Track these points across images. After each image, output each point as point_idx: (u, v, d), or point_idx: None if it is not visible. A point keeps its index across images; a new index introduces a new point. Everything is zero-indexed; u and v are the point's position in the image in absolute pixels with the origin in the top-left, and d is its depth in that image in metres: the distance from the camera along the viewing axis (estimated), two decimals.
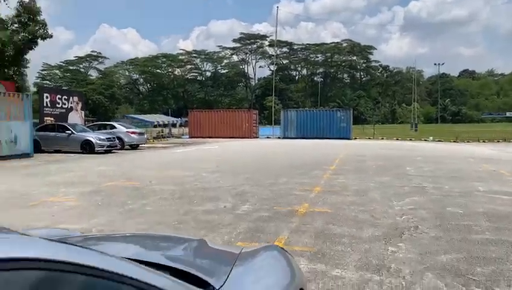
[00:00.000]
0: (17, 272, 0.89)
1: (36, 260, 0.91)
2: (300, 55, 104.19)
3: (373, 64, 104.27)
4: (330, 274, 4.07)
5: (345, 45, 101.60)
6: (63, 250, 0.98)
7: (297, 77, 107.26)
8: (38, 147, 19.06)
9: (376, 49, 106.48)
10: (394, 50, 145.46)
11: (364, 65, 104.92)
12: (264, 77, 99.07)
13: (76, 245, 1.04)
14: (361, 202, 7.71)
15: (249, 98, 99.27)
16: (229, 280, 1.62)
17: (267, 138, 37.29)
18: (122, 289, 1.07)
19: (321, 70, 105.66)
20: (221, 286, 1.53)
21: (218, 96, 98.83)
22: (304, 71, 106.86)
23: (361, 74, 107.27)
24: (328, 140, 31.87)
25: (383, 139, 34.37)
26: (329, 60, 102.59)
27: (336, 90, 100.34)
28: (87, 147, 19.40)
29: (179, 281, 1.28)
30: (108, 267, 1.04)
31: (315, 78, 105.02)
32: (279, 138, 36.11)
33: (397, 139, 34.03)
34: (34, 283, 0.91)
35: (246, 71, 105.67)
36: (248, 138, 35.99)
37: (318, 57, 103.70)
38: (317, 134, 34.76)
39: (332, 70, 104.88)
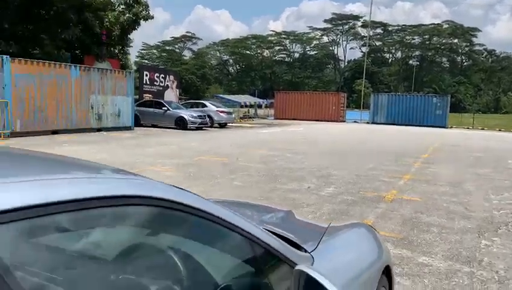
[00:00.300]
0: (145, 207, 1.03)
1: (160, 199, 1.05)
2: (395, 36, 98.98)
3: (477, 48, 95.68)
4: (416, 261, 3.99)
5: (445, 26, 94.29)
6: (184, 194, 1.13)
7: (390, 60, 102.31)
8: (137, 121, 20.64)
9: (481, 31, 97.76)
10: (502, 33, 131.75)
11: (466, 49, 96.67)
12: (355, 59, 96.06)
13: (191, 192, 1.20)
14: (454, 193, 7.30)
15: (337, 81, 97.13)
16: (320, 246, 1.72)
17: (355, 122, 36.37)
18: (235, 238, 1.21)
19: (417, 53, 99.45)
20: (313, 250, 1.63)
21: (305, 78, 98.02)
22: (398, 54, 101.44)
23: (463, 58, 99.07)
24: (420, 127, 30.20)
25: (483, 129, 31.70)
26: (427, 42, 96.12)
27: (433, 75, 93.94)
28: (181, 123, 20.59)
29: (280, 239, 1.40)
30: (221, 215, 1.19)
31: (410, 62, 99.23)
32: (367, 122, 35.03)
33: (500, 130, 31.17)
34: (160, 219, 1.08)
35: (336, 53, 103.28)
36: (334, 121, 35.40)
37: (415, 39, 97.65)
38: (409, 120, 33.09)
39: (429, 54, 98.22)
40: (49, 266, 0.96)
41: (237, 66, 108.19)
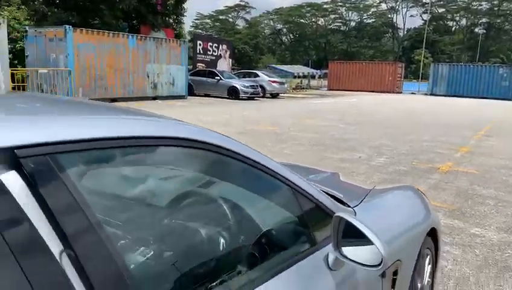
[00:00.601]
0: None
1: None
2: (459, 2, 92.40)
3: None
4: (468, 231, 3.89)
5: None
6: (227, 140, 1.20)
7: (453, 28, 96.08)
8: (191, 90, 21.08)
9: None
10: None
11: None
12: (415, 28, 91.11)
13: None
14: None
15: (395, 51, 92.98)
16: (363, 203, 1.74)
17: (412, 93, 34.92)
18: (280, 187, 1.27)
19: (484, 20, 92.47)
20: (356, 205, 1.66)
21: (361, 48, 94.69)
22: (463, 21, 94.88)
23: None
24: (484, 100, 28.49)
25: None
26: (495, 8, 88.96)
27: (500, 45, 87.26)
28: (233, 93, 20.79)
29: (323, 192, 1.45)
30: (267, 164, 1.25)
31: (475, 30, 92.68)
32: (425, 94, 33.52)
33: None
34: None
35: (395, 21, 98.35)
36: (390, 92, 34.21)
37: (482, 5, 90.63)
38: (471, 92, 31.29)
39: (498, 21, 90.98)
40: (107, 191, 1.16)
41: (291, 35, 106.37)
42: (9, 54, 13.59)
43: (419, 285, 2.03)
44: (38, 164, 0.73)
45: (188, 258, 1.16)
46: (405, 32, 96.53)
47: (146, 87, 18.27)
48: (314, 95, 29.30)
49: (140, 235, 1.14)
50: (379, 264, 1.17)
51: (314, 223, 1.36)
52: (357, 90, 34.61)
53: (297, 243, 1.34)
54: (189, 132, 1.09)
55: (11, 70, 13.66)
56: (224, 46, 28.31)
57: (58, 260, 0.70)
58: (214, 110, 15.13)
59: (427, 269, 2.16)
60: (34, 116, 0.97)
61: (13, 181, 0.70)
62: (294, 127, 10.99)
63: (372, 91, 34.34)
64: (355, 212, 1.59)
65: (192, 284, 1.05)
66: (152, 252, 1.07)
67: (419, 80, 39.08)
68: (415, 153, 7.95)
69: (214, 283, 1.04)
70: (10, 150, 0.71)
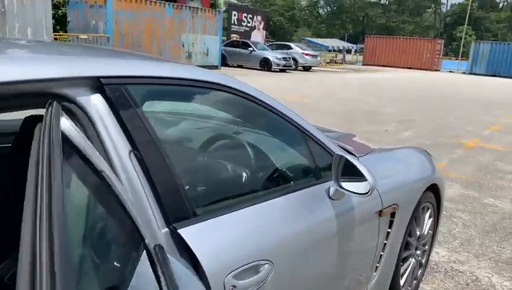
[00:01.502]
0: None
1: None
2: None
3: None
4: (482, 201, 4.05)
5: None
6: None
7: (501, 4, 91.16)
8: (224, 61, 21.30)
9: None
10: None
11: None
12: (459, 3, 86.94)
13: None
14: None
15: (436, 27, 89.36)
16: (368, 155, 1.99)
17: (450, 72, 33.87)
18: (292, 130, 1.53)
19: None
20: (361, 156, 1.91)
21: (401, 23, 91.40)
22: None
23: None
24: None
25: None
26: None
27: None
28: (265, 65, 20.87)
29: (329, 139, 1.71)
30: (283, 111, 1.51)
31: None
32: (463, 73, 32.45)
33: None
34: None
35: None
36: (427, 70, 33.29)
37: None
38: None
39: None
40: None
41: (328, 7, 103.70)
42: (52, 19, 14.16)
43: (418, 233, 2.27)
44: (116, 90, 1.03)
45: (215, 179, 1.49)
46: (448, 8, 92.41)
47: (181, 56, 18.60)
48: (348, 69, 28.93)
49: (185, 156, 1.52)
50: (367, 192, 1.43)
51: (320, 162, 1.62)
52: (394, 66, 33.88)
53: (304, 176, 1.61)
54: (222, 78, 1.37)
55: (54, 35, 14.25)
56: (259, 18, 28.17)
57: (130, 161, 1.01)
58: (245, 80, 15.28)
59: (428, 221, 2.39)
60: (111, 56, 1.31)
61: (99, 101, 1.00)
62: (324, 99, 11.11)
63: (409, 68, 33.51)
64: (358, 159, 1.84)
65: (221, 197, 1.34)
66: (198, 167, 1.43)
67: (459, 57, 37.69)
68: (444, 128, 7.99)
69: (239, 197, 1.35)
70: (97, 78, 1.00)
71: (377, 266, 1.91)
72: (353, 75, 22.92)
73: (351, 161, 1.45)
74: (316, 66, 25.71)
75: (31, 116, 1.20)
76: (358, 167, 1.44)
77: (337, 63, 36.80)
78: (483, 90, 18.05)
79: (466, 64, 33.35)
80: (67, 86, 0.95)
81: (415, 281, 2.40)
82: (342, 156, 1.47)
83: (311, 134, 1.58)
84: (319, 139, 1.60)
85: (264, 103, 1.45)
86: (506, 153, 6.22)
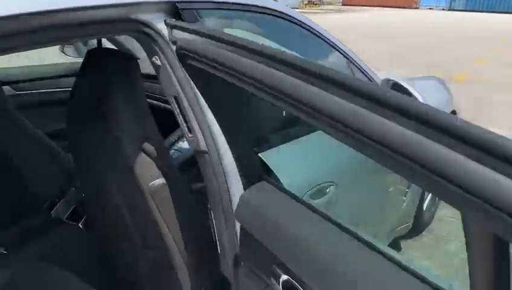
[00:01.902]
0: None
1: None
2: None
3: None
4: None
5: None
6: None
7: None
8: None
9: None
10: None
11: None
12: None
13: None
14: None
15: None
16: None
17: (429, 9, 33.52)
18: (336, 54, 1.51)
19: None
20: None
21: None
22: None
23: None
24: (508, 15, 27.36)
25: None
26: None
27: None
28: None
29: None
30: (327, 36, 1.48)
31: None
32: (443, 9, 32.19)
33: None
34: None
35: None
36: (406, 8, 32.88)
37: None
38: (492, 7, 29.90)
39: None
40: None
41: None
42: None
43: None
44: (190, 13, 1.05)
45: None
46: None
47: None
48: (328, 10, 28.34)
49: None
50: None
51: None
52: (373, 6, 33.30)
53: None
54: (270, 3, 1.33)
55: None
56: None
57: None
58: None
59: None
60: None
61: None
62: None
63: (389, 6, 33.02)
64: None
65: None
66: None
67: None
68: (435, 64, 8.04)
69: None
70: (174, 3, 1.02)
71: (406, 191, 2.01)
72: (335, 16, 22.51)
73: (399, 82, 1.45)
74: (297, 8, 25.09)
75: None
76: (405, 86, 1.44)
77: (316, 4, 35.95)
78: (464, 26, 18.03)
79: (445, 1, 33.02)
80: (145, 11, 0.96)
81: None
82: (389, 79, 1.47)
83: (354, 60, 1.59)
84: (361, 66, 1.61)
85: (310, 27, 1.43)
86: (496, 83, 6.33)
